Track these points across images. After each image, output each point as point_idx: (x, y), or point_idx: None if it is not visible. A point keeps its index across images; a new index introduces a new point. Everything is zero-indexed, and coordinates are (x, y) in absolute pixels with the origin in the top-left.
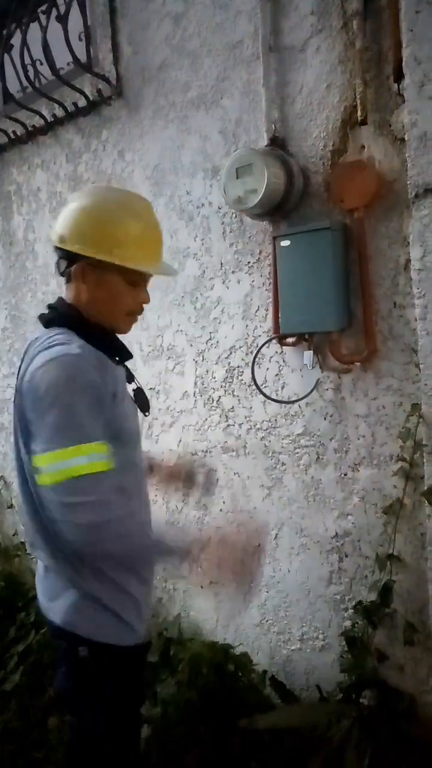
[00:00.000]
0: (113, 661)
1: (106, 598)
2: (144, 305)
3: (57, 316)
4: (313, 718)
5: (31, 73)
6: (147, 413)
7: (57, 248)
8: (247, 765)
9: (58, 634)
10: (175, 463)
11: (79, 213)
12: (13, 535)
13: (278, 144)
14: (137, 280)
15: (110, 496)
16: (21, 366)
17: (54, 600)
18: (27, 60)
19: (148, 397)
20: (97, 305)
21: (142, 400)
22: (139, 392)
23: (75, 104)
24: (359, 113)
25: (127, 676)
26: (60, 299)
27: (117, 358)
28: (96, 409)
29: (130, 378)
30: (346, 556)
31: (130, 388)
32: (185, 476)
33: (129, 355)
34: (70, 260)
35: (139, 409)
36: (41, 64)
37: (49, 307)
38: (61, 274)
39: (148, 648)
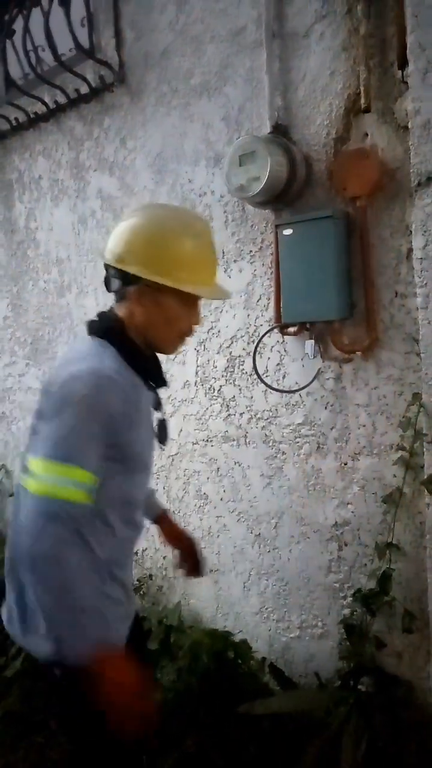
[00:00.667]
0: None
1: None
2: (195, 327)
3: (102, 328)
4: (312, 704)
5: (33, 59)
6: (164, 446)
7: (110, 266)
8: (246, 750)
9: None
10: (182, 535)
11: (136, 232)
12: None
13: (281, 131)
14: (192, 302)
15: (72, 537)
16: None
17: (26, 634)
18: (29, 46)
19: (168, 429)
20: (152, 328)
21: (162, 432)
22: (161, 423)
23: (77, 91)
24: (363, 101)
25: None
26: (112, 311)
27: (152, 384)
28: (102, 438)
29: (158, 406)
30: (346, 544)
31: (155, 416)
32: (184, 555)
33: (164, 383)
34: (124, 280)
35: (157, 440)
36: (43, 50)
37: (99, 315)
38: (113, 292)
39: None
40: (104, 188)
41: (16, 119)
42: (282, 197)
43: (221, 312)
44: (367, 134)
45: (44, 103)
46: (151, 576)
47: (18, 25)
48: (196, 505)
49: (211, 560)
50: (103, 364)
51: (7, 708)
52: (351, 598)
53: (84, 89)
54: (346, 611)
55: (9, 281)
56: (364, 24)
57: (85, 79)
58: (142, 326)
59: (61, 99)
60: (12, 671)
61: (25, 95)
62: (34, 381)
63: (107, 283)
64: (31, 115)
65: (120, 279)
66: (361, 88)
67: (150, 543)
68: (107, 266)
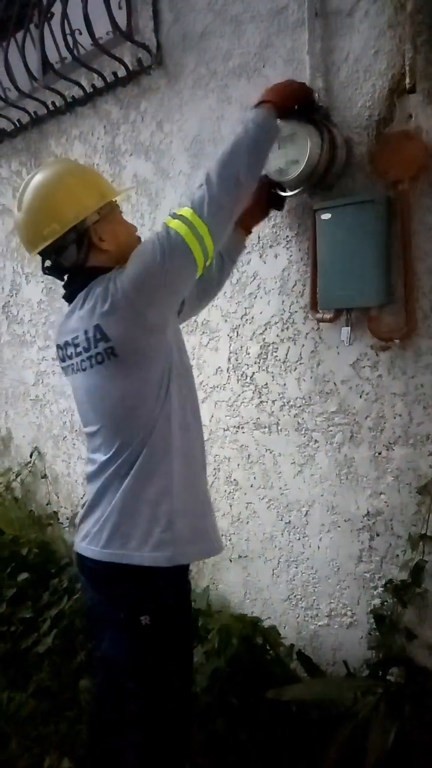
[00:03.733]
0: (174, 616)
1: (186, 508)
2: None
3: (89, 277)
4: (340, 692)
5: (70, 43)
6: None
7: (60, 239)
8: (273, 734)
9: (118, 597)
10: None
11: (54, 192)
12: (47, 504)
13: (322, 113)
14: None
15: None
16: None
17: (124, 546)
18: (67, 29)
19: None
20: (126, 246)
21: None
22: None
23: (114, 74)
24: (408, 81)
25: (185, 631)
26: (81, 269)
27: None
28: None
29: None
30: (378, 535)
31: None
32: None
33: None
34: (80, 235)
35: None
36: (80, 33)
37: (74, 280)
38: (70, 266)
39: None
40: (140, 173)
41: (53, 103)
42: (321, 181)
43: (255, 298)
44: (411, 116)
45: (81, 87)
46: None
47: (56, 9)
48: (226, 491)
49: (240, 546)
50: None
51: (39, 683)
52: (382, 589)
53: (121, 72)
54: (377, 601)
55: None
56: (411, 0)
57: (122, 62)
58: (119, 253)
59: (98, 82)
60: (43, 647)
61: (62, 79)
62: None
63: (56, 268)
64: (68, 99)
65: (76, 241)
66: (407, 68)
67: None
68: (55, 243)
